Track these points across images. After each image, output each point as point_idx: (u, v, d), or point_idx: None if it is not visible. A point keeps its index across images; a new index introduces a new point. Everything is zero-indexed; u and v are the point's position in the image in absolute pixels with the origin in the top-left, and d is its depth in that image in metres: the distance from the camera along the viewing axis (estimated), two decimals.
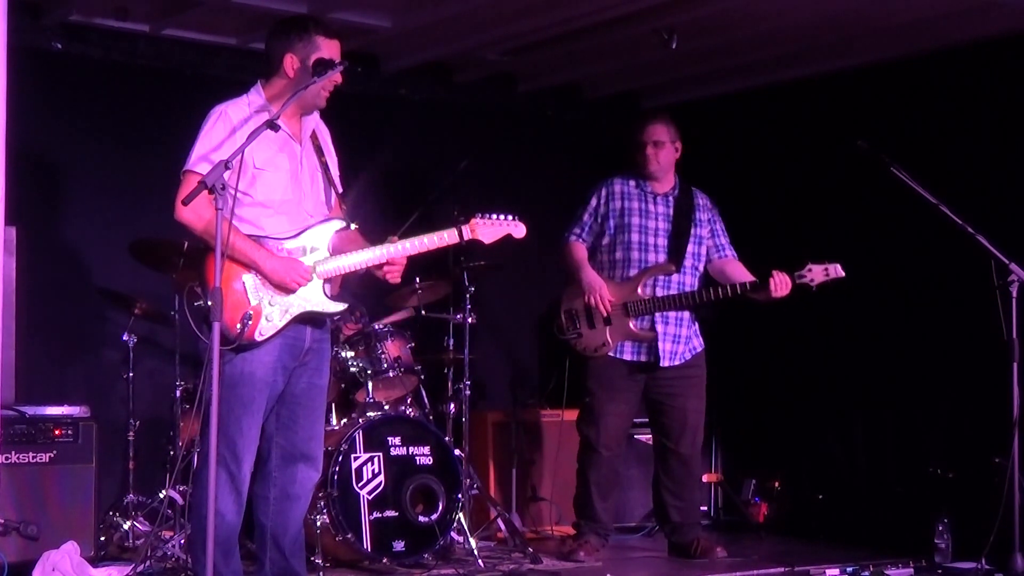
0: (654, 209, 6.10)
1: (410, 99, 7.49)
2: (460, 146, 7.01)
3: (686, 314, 6.05)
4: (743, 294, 5.88)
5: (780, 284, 5.74)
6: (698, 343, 6.13)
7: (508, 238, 4.69)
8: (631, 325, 5.97)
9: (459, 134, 7.49)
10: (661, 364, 5.97)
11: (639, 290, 5.97)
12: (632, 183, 6.14)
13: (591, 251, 6.16)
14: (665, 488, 6.13)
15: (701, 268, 6.13)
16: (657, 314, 5.97)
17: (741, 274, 6.03)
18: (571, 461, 6.30)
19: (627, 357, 6.01)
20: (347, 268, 4.48)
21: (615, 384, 6.03)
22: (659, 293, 5.99)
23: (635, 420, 6.34)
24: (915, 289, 6.65)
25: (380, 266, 4.51)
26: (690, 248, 6.07)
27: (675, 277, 6.02)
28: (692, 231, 6.08)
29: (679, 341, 6.03)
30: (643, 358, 6.01)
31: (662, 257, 6.03)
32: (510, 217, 4.69)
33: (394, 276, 4.52)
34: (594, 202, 6.16)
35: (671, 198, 6.13)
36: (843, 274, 5.75)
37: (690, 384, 6.07)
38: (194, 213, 4.22)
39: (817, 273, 5.74)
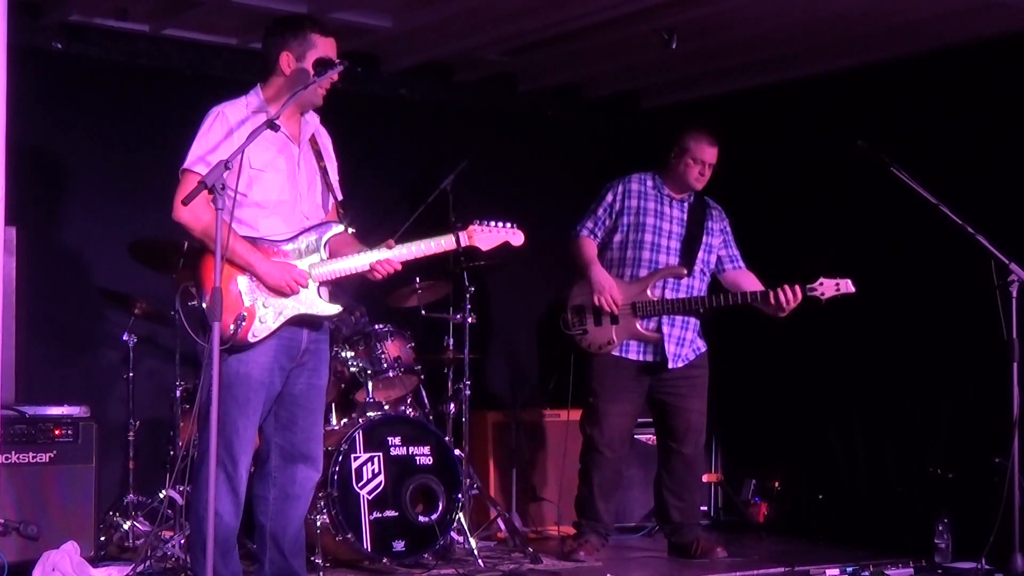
0: (669, 212, 6.08)
1: (410, 99, 7.49)
2: (460, 146, 7.00)
3: (692, 318, 6.05)
4: (751, 304, 5.85)
5: (790, 296, 5.71)
6: (701, 344, 6.12)
7: (506, 246, 4.66)
8: (638, 325, 5.96)
9: (459, 134, 7.48)
10: (669, 366, 5.97)
11: (649, 291, 5.96)
12: (650, 183, 6.10)
13: (600, 247, 6.13)
14: (667, 489, 6.13)
15: (709, 276, 6.12)
16: (664, 316, 5.97)
17: (753, 285, 6.00)
18: (571, 461, 6.30)
19: (633, 357, 6.00)
20: (343, 272, 4.46)
21: (620, 384, 6.02)
22: (668, 296, 5.97)
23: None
24: (915, 289, 6.64)
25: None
26: (700, 255, 6.06)
27: (684, 281, 6.01)
28: (704, 239, 6.07)
29: (683, 344, 6.02)
30: (649, 358, 6.00)
31: (674, 260, 6.01)
32: (508, 225, 4.65)
33: (380, 274, 4.46)
34: (610, 198, 6.09)
35: (686, 204, 6.11)
36: (853, 290, 5.68)
37: (694, 385, 6.08)
38: (192, 214, 4.22)
39: (828, 287, 5.68)
